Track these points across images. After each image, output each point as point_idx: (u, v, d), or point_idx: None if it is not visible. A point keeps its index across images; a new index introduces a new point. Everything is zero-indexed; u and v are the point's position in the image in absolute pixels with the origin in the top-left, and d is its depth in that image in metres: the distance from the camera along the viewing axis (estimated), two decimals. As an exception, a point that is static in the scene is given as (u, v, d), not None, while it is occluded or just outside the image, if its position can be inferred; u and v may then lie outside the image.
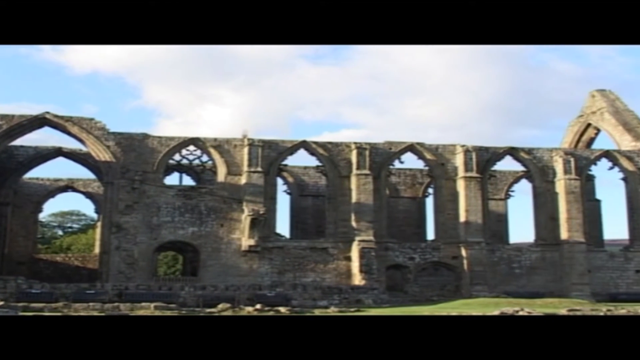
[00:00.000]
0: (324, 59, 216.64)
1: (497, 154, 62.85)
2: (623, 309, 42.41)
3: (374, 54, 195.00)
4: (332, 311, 43.54)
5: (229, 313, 40.42)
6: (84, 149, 60.01)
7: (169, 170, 62.53)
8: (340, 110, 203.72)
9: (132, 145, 57.23)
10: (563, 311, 39.95)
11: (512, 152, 63.37)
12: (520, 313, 37.02)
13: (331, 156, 59.77)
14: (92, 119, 57.13)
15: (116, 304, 42.49)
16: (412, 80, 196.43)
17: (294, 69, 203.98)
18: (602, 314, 37.84)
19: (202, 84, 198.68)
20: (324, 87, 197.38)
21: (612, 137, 69.39)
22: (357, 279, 55.39)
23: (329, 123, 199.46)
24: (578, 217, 60.83)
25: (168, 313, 38.26)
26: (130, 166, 56.31)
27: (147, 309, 40.08)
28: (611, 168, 65.08)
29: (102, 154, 56.32)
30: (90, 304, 41.48)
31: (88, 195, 72.06)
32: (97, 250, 65.74)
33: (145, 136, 58.15)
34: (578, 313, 38.69)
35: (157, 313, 38.38)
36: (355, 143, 59.90)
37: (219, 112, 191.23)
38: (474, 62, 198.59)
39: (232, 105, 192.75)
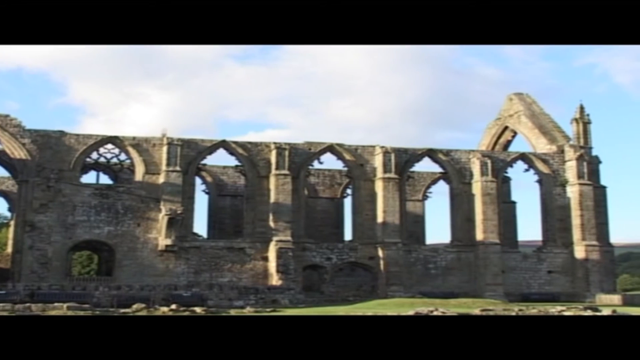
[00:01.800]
0: (252, 59, 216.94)
1: (415, 156, 63.70)
2: (534, 309, 43.35)
3: (302, 55, 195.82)
4: (248, 311, 43.53)
5: (143, 313, 40.11)
6: (-2, 146, 58.74)
7: (86, 168, 61.66)
8: (266, 110, 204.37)
9: (49, 143, 56.30)
10: (476, 311, 40.67)
11: (431, 153, 64.30)
12: (435, 313, 37.56)
13: (250, 156, 59.77)
14: (7, 116, 55.98)
15: (27, 304, 41.71)
16: (339, 82, 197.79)
17: (221, 68, 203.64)
18: (513, 314, 38.67)
19: (129, 83, 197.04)
20: (251, 87, 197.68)
21: (528, 139, 70.91)
22: (274, 279, 55.52)
23: (254, 123, 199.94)
24: (493, 218, 62.11)
25: (81, 313, 37.77)
26: (46, 164, 55.36)
27: (60, 310, 39.46)
28: (527, 170, 66.61)
29: (17, 152, 55.25)
30: (0, 304, 40.64)
31: (2, 193, 70.55)
32: (9, 249, 64.38)
33: (62, 134, 57.21)
34: (491, 313, 39.44)
35: (70, 313, 37.84)
36: (274, 143, 60.02)
37: (145, 111, 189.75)
38: (400, 64, 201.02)
39: (158, 104, 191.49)
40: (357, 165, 62.06)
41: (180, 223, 55.31)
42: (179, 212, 54.73)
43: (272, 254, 56.98)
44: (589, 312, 39.85)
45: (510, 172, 68.33)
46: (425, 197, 74.16)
